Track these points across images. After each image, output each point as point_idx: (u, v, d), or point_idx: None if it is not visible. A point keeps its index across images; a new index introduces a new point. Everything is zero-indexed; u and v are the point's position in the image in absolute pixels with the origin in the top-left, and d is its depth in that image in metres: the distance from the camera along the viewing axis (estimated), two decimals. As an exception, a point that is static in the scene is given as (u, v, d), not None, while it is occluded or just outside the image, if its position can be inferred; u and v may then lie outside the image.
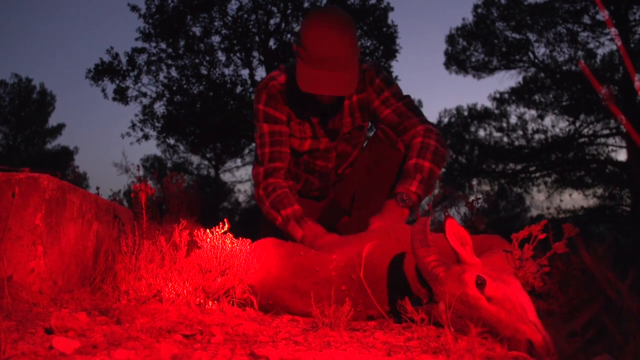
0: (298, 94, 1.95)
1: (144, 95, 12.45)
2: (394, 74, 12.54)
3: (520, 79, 13.70)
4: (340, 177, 2.28)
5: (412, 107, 2.03)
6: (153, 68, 12.34)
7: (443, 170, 12.81)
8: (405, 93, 2.06)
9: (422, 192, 1.85)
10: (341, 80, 1.80)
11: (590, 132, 12.18)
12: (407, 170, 1.89)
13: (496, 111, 13.44)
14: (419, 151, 1.89)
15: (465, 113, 13.86)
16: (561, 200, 12.42)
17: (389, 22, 12.22)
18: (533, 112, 12.92)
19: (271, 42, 12.46)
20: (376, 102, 2.05)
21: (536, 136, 12.84)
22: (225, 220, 1.54)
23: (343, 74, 1.80)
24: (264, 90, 2.00)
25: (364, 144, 2.26)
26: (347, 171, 2.27)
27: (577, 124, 12.22)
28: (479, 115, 13.61)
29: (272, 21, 12.32)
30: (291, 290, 1.51)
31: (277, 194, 1.96)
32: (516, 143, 13.02)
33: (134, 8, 12.00)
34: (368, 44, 12.27)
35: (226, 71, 12.54)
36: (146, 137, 12.65)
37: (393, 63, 12.37)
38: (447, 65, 13.35)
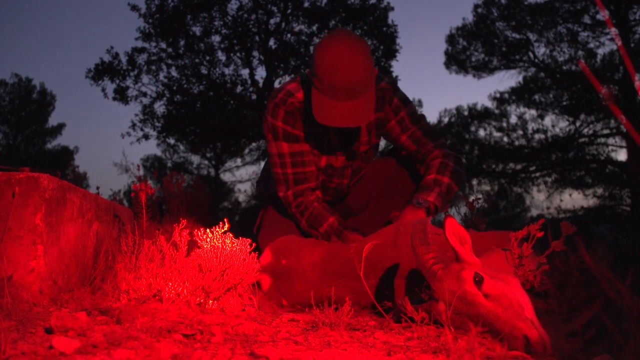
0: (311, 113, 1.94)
1: (144, 94, 12.47)
2: (394, 74, 12.56)
3: (520, 78, 13.70)
4: (350, 190, 2.28)
5: (428, 131, 2.03)
6: (153, 68, 12.36)
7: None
8: (416, 107, 2.08)
9: (439, 204, 1.87)
10: (358, 110, 1.75)
11: (591, 132, 12.19)
12: (425, 184, 1.92)
13: (496, 111, 13.45)
14: (438, 169, 1.94)
15: (466, 113, 13.87)
16: (561, 200, 12.44)
17: (389, 21, 12.24)
18: (533, 111, 12.93)
19: (271, 42, 12.47)
20: (392, 121, 2.02)
21: (536, 136, 12.85)
22: (225, 220, 1.54)
23: (360, 103, 1.75)
24: (282, 107, 1.91)
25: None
26: (357, 184, 2.27)
27: (577, 123, 12.22)
28: (479, 115, 13.61)
29: (272, 21, 12.33)
30: (323, 270, 1.66)
31: (310, 212, 1.98)
32: (516, 143, 13.03)
33: (134, 8, 12.01)
34: (368, 43, 12.26)
35: (226, 71, 12.57)
36: (146, 136, 12.67)
37: (393, 63, 12.41)
38: (447, 65, 13.36)
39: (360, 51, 1.75)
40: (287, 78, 9.95)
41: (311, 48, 11.85)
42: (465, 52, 13.03)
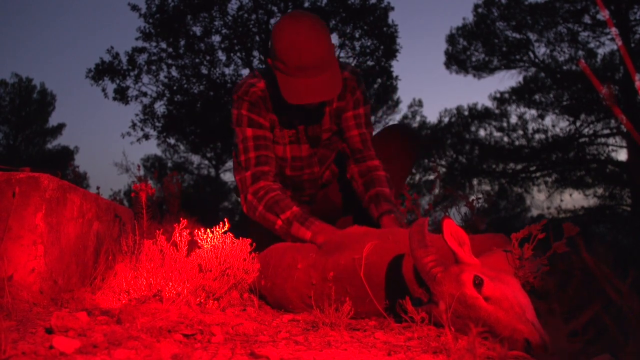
0: (280, 101, 1.91)
1: (145, 94, 12.49)
2: (394, 74, 12.60)
3: (520, 78, 13.72)
4: (324, 180, 2.27)
5: (372, 138, 2.09)
6: (153, 68, 12.38)
7: (443, 170, 12.88)
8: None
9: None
10: (326, 84, 1.76)
11: (591, 131, 12.19)
12: (385, 194, 1.95)
13: (496, 111, 13.45)
14: (388, 183, 2.00)
15: (466, 113, 13.87)
16: (561, 200, 12.44)
17: (389, 21, 12.25)
18: (533, 111, 12.95)
19: (271, 42, 12.45)
20: (349, 113, 2.05)
21: (536, 136, 12.85)
22: (225, 220, 1.54)
23: (326, 77, 1.76)
24: (245, 97, 1.94)
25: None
26: (326, 173, 2.27)
27: (578, 123, 12.22)
28: (479, 115, 13.62)
29: (272, 20, 12.33)
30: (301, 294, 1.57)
31: (271, 196, 1.85)
32: (516, 143, 13.03)
33: (135, 7, 12.03)
34: (368, 43, 12.28)
35: (226, 71, 12.58)
36: (146, 136, 12.69)
37: (393, 63, 12.42)
38: (448, 65, 13.37)
39: (319, 27, 1.76)
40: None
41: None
42: (465, 52, 13.05)
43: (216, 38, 12.31)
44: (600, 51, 11.69)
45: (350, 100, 2.03)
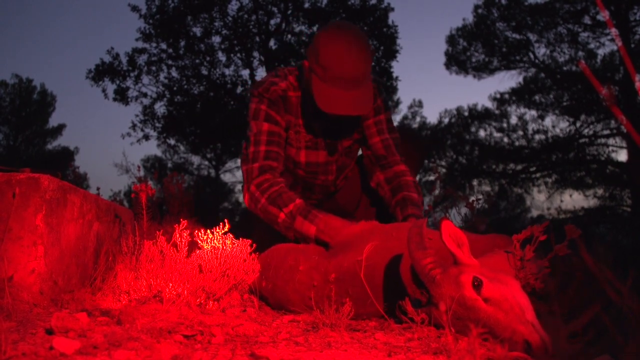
0: (306, 105, 1.92)
1: (145, 95, 12.49)
2: (394, 74, 12.59)
3: (520, 79, 13.74)
4: (337, 187, 2.27)
5: (397, 145, 2.09)
6: (153, 68, 12.39)
7: (443, 170, 12.88)
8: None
9: None
10: (360, 99, 1.79)
11: (591, 132, 12.19)
12: (413, 199, 1.95)
13: (497, 111, 13.47)
14: (416, 189, 2.01)
15: (466, 113, 13.88)
16: (562, 201, 12.44)
17: (390, 22, 12.26)
18: (533, 112, 12.96)
19: (272, 43, 12.49)
20: (371, 120, 2.07)
21: (537, 136, 12.86)
22: (225, 220, 1.54)
23: (361, 92, 1.79)
24: (266, 95, 1.95)
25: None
26: (343, 182, 2.27)
27: (578, 124, 12.23)
28: (479, 116, 13.63)
29: (272, 21, 12.36)
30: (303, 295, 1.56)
31: (275, 189, 1.82)
32: (517, 143, 13.04)
33: (135, 8, 12.04)
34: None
35: (226, 71, 12.60)
36: (146, 137, 12.69)
37: (393, 63, 12.42)
38: (448, 65, 13.38)
39: (365, 43, 1.80)
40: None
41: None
42: (465, 52, 13.06)
43: (216, 39, 12.34)
44: (600, 52, 11.72)
45: (371, 109, 2.03)
